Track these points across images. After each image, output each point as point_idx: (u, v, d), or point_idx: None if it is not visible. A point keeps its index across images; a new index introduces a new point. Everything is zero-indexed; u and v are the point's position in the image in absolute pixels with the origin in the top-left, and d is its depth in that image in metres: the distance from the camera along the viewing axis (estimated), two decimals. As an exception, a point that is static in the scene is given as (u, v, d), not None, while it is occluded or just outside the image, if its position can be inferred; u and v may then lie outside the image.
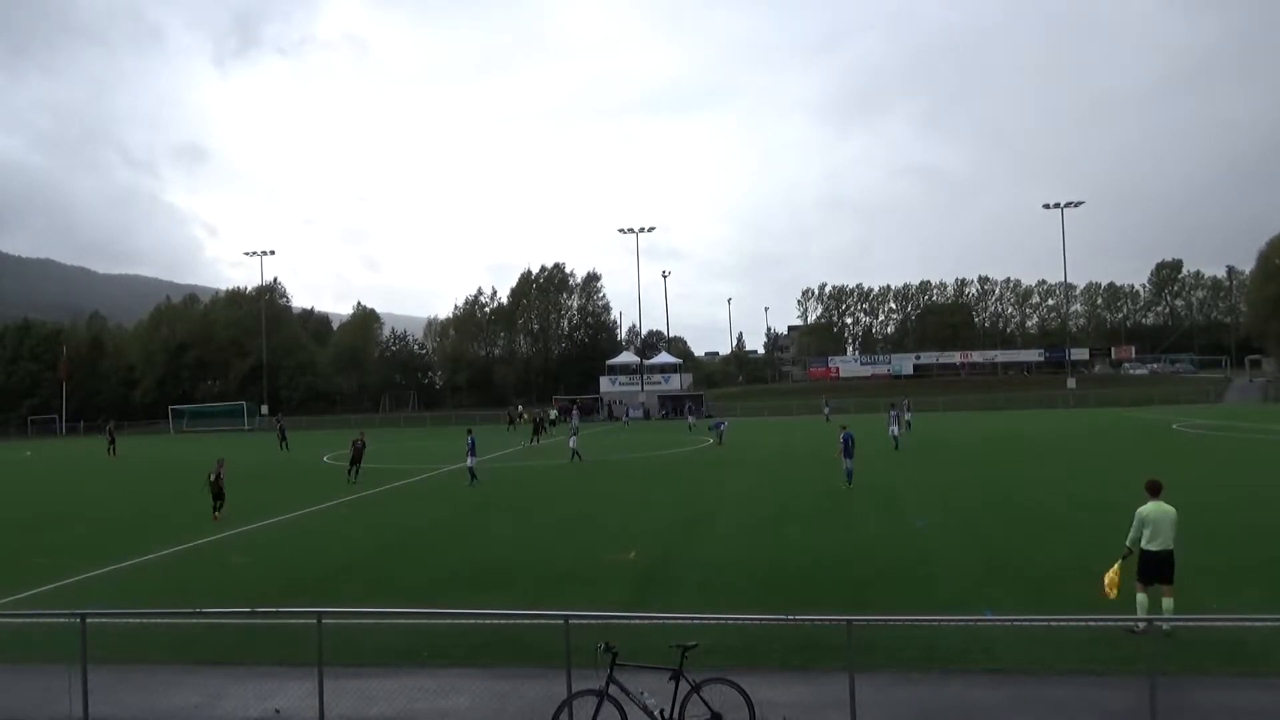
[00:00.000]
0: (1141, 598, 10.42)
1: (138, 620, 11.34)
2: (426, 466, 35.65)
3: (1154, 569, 10.44)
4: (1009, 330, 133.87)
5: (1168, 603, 10.26)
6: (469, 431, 30.35)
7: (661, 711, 7.52)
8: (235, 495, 26.01)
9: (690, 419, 63.73)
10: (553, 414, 69.28)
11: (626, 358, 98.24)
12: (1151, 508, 10.62)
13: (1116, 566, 10.54)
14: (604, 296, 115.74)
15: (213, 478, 22.86)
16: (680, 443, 46.83)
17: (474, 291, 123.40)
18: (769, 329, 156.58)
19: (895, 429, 37.41)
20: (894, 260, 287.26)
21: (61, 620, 9.54)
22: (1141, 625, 9.26)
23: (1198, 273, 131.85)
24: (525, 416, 65.87)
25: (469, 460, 28.79)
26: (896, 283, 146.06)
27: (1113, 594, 10.30)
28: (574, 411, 64.92)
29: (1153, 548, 10.47)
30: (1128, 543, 10.74)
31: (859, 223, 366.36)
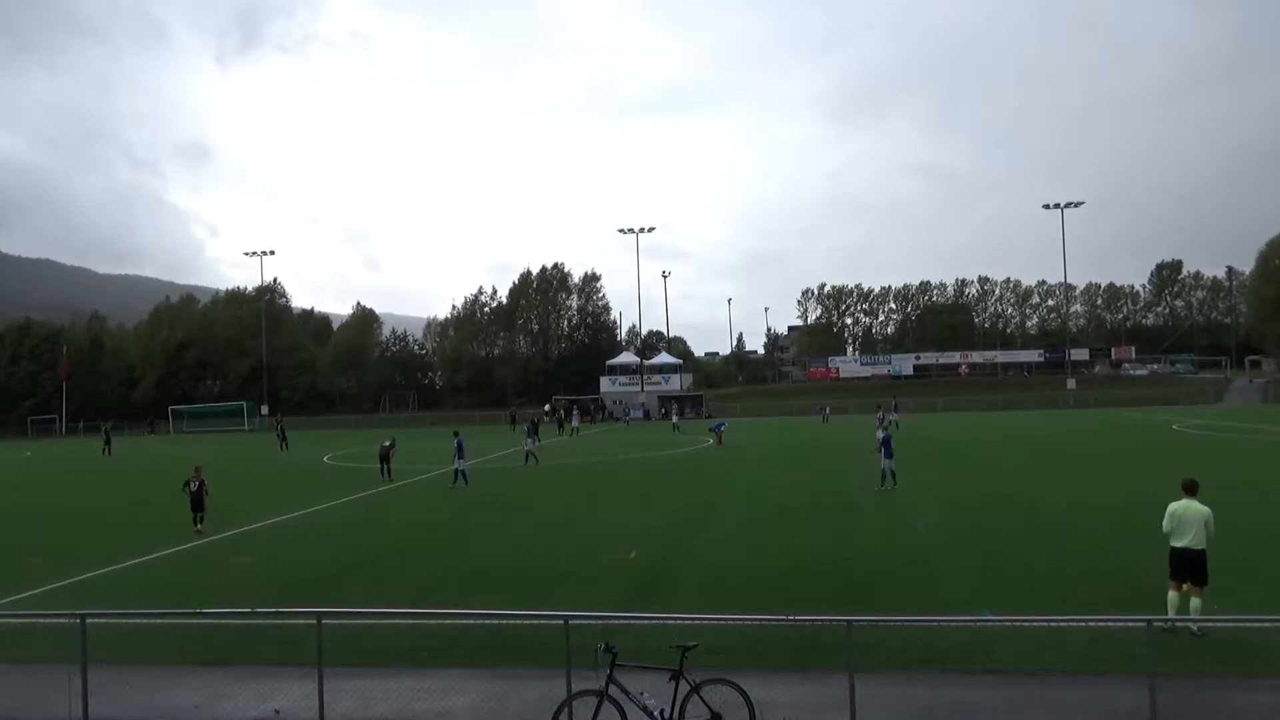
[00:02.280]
0: (1172, 595, 10.47)
1: (138, 620, 11.31)
2: (426, 467, 35.63)
3: (1183, 567, 10.49)
4: (1009, 331, 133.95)
5: (1195, 603, 10.29)
6: (455, 433, 30.18)
7: (661, 712, 7.51)
8: (236, 495, 26.05)
9: (675, 419, 61.42)
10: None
11: (626, 358, 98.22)
12: (1179, 505, 10.70)
13: None
14: (604, 296, 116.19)
15: (194, 486, 20.45)
16: (679, 443, 46.83)
17: (474, 291, 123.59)
18: (769, 329, 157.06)
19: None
20: (894, 260, 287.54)
21: (61, 620, 9.52)
22: (1169, 623, 9.26)
23: (1198, 273, 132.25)
24: (547, 419, 65.01)
25: (457, 463, 28.41)
26: (896, 283, 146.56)
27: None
28: (574, 411, 64.84)
29: (1177, 544, 10.57)
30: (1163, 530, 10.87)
31: (860, 222, 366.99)
